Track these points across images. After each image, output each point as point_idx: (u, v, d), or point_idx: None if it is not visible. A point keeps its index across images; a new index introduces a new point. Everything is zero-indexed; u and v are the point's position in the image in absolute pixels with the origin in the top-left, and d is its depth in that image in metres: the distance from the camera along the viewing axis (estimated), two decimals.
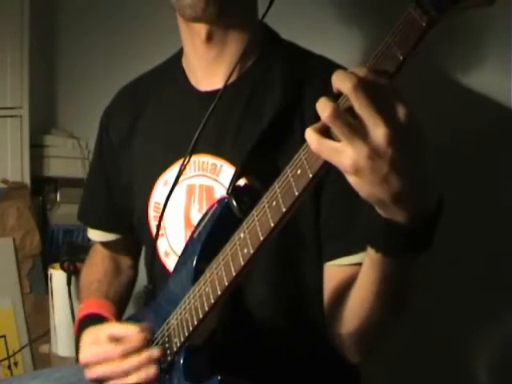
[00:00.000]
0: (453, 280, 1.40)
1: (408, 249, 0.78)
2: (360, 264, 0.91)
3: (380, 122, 0.67)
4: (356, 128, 0.68)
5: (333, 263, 1.02)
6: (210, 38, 1.06)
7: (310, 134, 0.71)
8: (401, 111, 0.68)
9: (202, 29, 1.06)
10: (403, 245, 0.78)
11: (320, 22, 1.55)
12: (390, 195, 0.71)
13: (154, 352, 1.00)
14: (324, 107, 0.68)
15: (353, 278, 0.94)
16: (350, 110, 0.68)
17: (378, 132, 0.67)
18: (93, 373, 1.04)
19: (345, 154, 0.69)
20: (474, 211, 1.37)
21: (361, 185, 0.71)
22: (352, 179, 0.71)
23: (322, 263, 1.04)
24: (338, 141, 0.69)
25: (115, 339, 1.02)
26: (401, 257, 0.80)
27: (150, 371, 0.99)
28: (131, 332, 1.01)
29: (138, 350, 1.00)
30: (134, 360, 0.99)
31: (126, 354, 1.00)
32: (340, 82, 0.68)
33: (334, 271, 1.02)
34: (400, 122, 0.68)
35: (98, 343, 1.04)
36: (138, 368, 0.99)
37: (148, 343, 1.01)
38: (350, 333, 0.96)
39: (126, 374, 1.00)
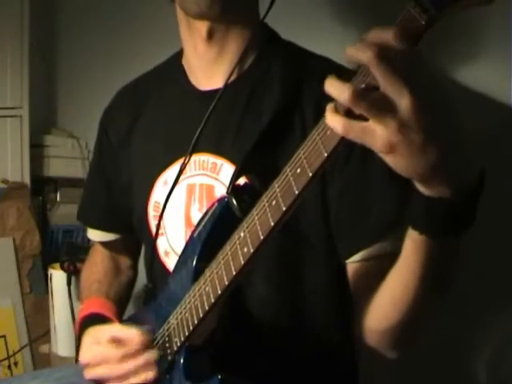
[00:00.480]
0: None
1: (452, 227, 0.75)
2: (378, 256, 0.91)
3: (405, 92, 0.64)
4: (381, 103, 0.65)
5: (353, 259, 1.00)
6: (210, 36, 1.06)
7: (334, 118, 0.68)
8: (425, 76, 0.66)
9: (203, 27, 1.06)
10: (447, 223, 0.74)
11: (319, 22, 1.55)
12: (429, 166, 0.68)
13: (152, 355, 1.00)
14: (340, 90, 0.66)
15: (377, 269, 0.92)
16: (368, 85, 0.66)
17: (404, 103, 0.64)
18: (92, 373, 1.05)
19: (376, 134, 0.66)
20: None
21: (399, 162, 0.68)
22: (388, 158, 0.68)
23: (342, 261, 1.02)
24: (364, 119, 0.67)
25: (116, 341, 1.02)
26: (445, 236, 0.77)
27: (149, 374, 0.99)
28: (132, 335, 1.01)
29: (136, 354, 1.00)
30: (132, 363, 1.00)
31: (125, 357, 1.00)
32: (360, 51, 0.65)
33: (355, 267, 1.00)
34: (425, 88, 0.65)
35: (98, 344, 1.04)
36: (136, 371, 1.00)
37: (147, 347, 1.01)
38: (392, 326, 0.92)
39: (125, 376, 1.00)
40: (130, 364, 1.00)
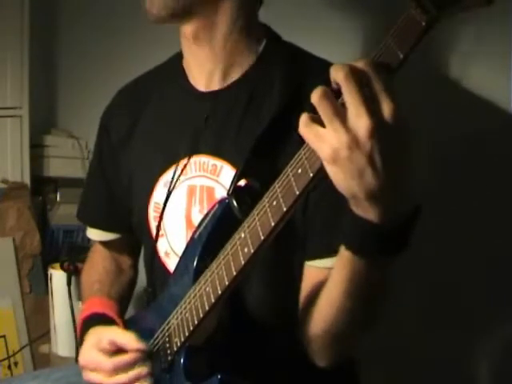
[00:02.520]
0: (453, 280, 1.40)
1: (378, 250, 0.77)
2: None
3: (364, 112, 0.67)
4: (340, 113, 0.68)
5: (311, 264, 1.01)
6: (195, 36, 1.07)
7: (302, 117, 0.72)
8: (388, 108, 0.68)
9: (186, 28, 1.08)
10: (373, 245, 0.77)
11: (319, 23, 1.55)
12: (364, 190, 0.70)
13: (144, 369, 1.01)
14: (315, 91, 0.69)
15: (324, 281, 0.94)
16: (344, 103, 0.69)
17: (361, 122, 0.67)
18: (87, 377, 1.07)
19: (326, 141, 0.69)
20: (474, 211, 1.37)
21: (337, 175, 0.71)
22: (330, 168, 0.71)
23: (302, 260, 1.03)
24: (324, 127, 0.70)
25: (114, 345, 1.03)
26: (371, 257, 0.79)
27: None
28: (130, 346, 1.02)
29: (129, 366, 1.02)
30: (124, 377, 1.02)
31: (117, 369, 1.02)
32: (335, 71, 0.69)
33: (310, 272, 1.02)
34: (385, 118, 0.68)
35: (96, 347, 1.05)
36: (130, 382, 1.02)
37: (142, 356, 1.02)
38: (318, 335, 0.95)
39: None
40: (122, 378, 1.02)
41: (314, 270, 1.01)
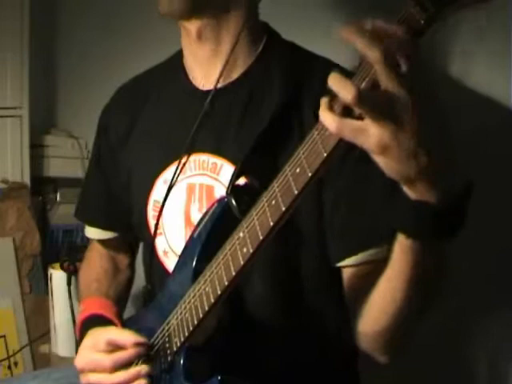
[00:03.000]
0: (452, 279, 1.39)
1: (438, 231, 0.76)
2: (373, 261, 0.90)
3: (406, 95, 0.65)
4: (382, 106, 0.66)
5: (345, 263, 1.00)
6: (200, 35, 1.07)
7: (327, 116, 0.69)
8: (421, 81, 0.66)
9: (191, 26, 1.06)
10: (433, 227, 0.75)
11: (318, 23, 1.55)
12: (418, 171, 0.69)
13: (144, 368, 1.01)
14: (345, 88, 0.66)
15: (370, 274, 0.93)
16: (370, 81, 0.67)
17: (404, 106, 0.65)
18: (85, 379, 1.06)
19: (370, 133, 0.67)
20: (475, 210, 1.37)
21: (388, 163, 0.69)
22: (379, 158, 0.69)
23: (333, 264, 1.02)
24: (358, 119, 0.67)
25: (112, 344, 1.03)
26: (432, 240, 0.77)
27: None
28: (128, 343, 1.02)
29: (129, 363, 1.01)
30: (123, 374, 1.01)
31: (117, 367, 1.01)
32: (367, 47, 0.65)
33: (347, 271, 1.01)
34: (425, 96, 0.66)
35: (94, 349, 1.05)
36: (126, 382, 1.00)
37: (141, 357, 1.02)
38: (381, 330, 0.93)
39: None
40: (121, 376, 1.01)
41: (349, 269, 1.00)
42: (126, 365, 1.02)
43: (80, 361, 1.07)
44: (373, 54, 0.65)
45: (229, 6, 1.06)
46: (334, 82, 0.67)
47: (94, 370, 1.04)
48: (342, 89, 0.66)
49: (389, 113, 0.66)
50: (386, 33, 0.66)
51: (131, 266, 1.35)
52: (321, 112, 0.69)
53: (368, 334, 0.96)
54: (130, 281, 1.35)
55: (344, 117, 0.68)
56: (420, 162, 0.69)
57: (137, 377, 1.00)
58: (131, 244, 1.32)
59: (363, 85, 0.67)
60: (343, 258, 1.00)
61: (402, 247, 0.81)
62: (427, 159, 0.69)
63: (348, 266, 1.00)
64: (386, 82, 0.65)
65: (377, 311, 0.92)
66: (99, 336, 1.06)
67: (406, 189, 0.73)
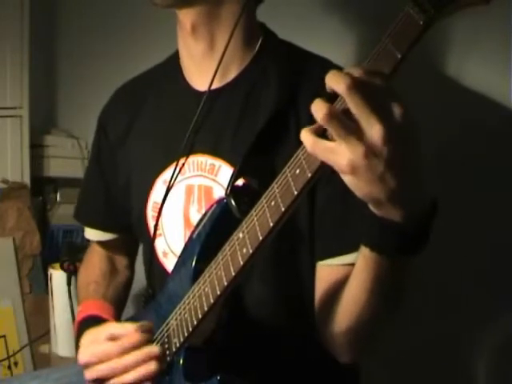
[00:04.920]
0: (452, 280, 1.40)
1: (402, 248, 0.78)
2: (352, 264, 0.91)
3: (375, 121, 0.66)
4: (351, 128, 0.68)
5: (325, 263, 1.02)
6: (194, 29, 1.07)
7: (305, 136, 0.71)
8: (397, 110, 0.68)
9: (186, 19, 1.06)
10: (397, 244, 0.77)
11: (316, 22, 1.55)
12: (385, 194, 0.71)
13: (154, 349, 0.99)
14: (319, 108, 0.68)
15: (345, 278, 0.94)
16: (347, 110, 0.68)
17: (374, 131, 0.67)
18: (92, 372, 1.04)
19: (340, 154, 0.68)
20: (475, 211, 1.37)
21: (357, 184, 0.71)
22: (348, 179, 0.71)
23: (315, 262, 1.04)
24: (334, 141, 0.69)
25: (114, 338, 1.01)
26: (395, 256, 0.79)
27: (150, 368, 0.98)
28: (130, 330, 1.01)
29: (136, 347, 0.99)
30: (133, 356, 0.98)
31: (125, 352, 0.99)
32: (334, 82, 0.68)
33: (325, 271, 1.02)
34: (396, 121, 0.67)
35: (97, 343, 1.04)
36: (137, 364, 0.98)
37: (147, 341, 1.01)
38: (343, 332, 0.95)
39: (125, 370, 0.99)
40: (131, 357, 0.98)
41: (328, 269, 1.01)
42: (135, 348, 0.99)
43: (84, 355, 1.04)
44: (338, 87, 0.67)
45: (230, 5, 1.06)
46: (313, 104, 0.69)
47: (101, 360, 1.01)
48: (317, 108, 0.68)
49: (359, 137, 0.67)
50: (353, 70, 0.68)
51: (130, 267, 1.35)
52: (302, 131, 0.72)
53: (330, 335, 0.98)
54: (128, 282, 1.35)
55: (322, 138, 0.70)
56: (388, 186, 0.70)
57: (148, 357, 0.98)
58: (130, 245, 1.32)
59: (338, 108, 0.69)
60: (324, 258, 1.01)
61: (365, 259, 0.83)
62: (395, 184, 0.70)
63: (326, 266, 1.01)
64: (354, 110, 0.67)
65: (339, 314, 0.95)
66: (99, 331, 1.05)
67: (372, 208, 0.75)
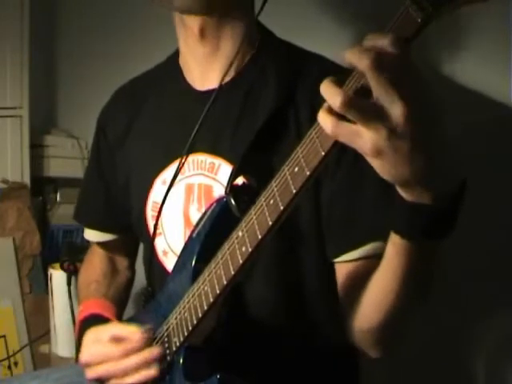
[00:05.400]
0: (452, 280, 1.39)
1: (433, 232, 0.76)
2: (368, 257, 0.91)
3: (398, 100, 0.65)
4: (372, 110, 0.66)
5: (341, 259, 1.01)
6: (202, 33, 1.06)
7: (325, 118, 0.69)
8: (417, 86, 0.66)
9: (194, 24, 1.05)
10: (428, 228, 0.76)
11: (315, 21, 1.55)
12: (413, 174, 0.69)
13: (154, 351, 0.99)
14: (333, 95, 0.66)
15: (365, 271, 0.93)
16: (361, 89, 0.66)
17: (397, 110, 0.65)
18: (93, 372, 1.04)
19: (364, 137, 0.66)
20: (475, 211, 1.37)
21: (384, 166, 0.69)
22: (374, 162, 0.69)
23: (331, 260, 1.03)
24: (354, 122, 0.67)
25: (117, 339, 1.02)
26: (425, 241, 0.78)
27: (151, 371, 0.99)
28: (133, 333, 1.01)
29: (138, 350, 0.99)
30: (134, 359, 0.99)
31: (126, 353, 0.99)
32: (357, 58, 0.65)
33: (343, 267, 1.01)
34: (419, 99, 0.66)
35: (99, 343, 1.04)
36: (137, 367, 0.99)
37: (148, 344, 1.01)
38: (373, 325, 0.94)
39: (126, 372, 0.99)
40: (132, 360, 0.99)
41: (345, 264, 1.00)
42: (135, 352, 1.00)
43: (86, 355, 1.05)
44: (360, 63, 0.65)
45: (237, 5, 1.07)
46: (324, 89, 0.67)
47: (102, 361, 1.02)
48: (331, 96, 0.66)
49: (381, 119, 0.66)
50: (375, 43, 0.66)
51: (131, 267, 1.35)
52: (320, 114, 0.69)
53: (360, 331, 0.97)
54: (129, 282, 1.35)
55: (342, 119, 0.68)
56: (415, 166, 0.69)
57: (149, 359, 0.99)
58: (131, 246, 1.32)
59: (351, 91, 0.67)
60: (341, 253, 1.00)
61: (395, 247, 0.82)
62: (423, 163, 0.69)
63: (344, 262, 1.00)
64: (376, 89, 0.65)
65: (369, 308, 0.93)
66: (101, 331, 1.05)
67: (400, 191, 0.74)
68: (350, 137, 0.68)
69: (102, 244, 1.32)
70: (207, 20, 1.05)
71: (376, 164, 0.69)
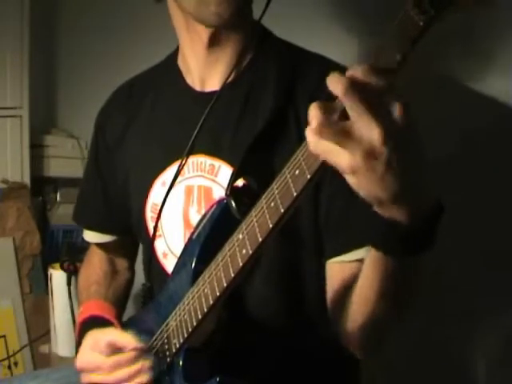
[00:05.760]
0: (452, 280, 1.40)
1: (408, 248, 0.77)
2: (361, 260, 0.90)
3: (373, 123, 0.66)
4: (349, 131, 0.67)
5: (334, 260, 1.01)
6: (212, 42, 1.06)
7: (308, 135, 0.70)
8: (396, 111, 0.67)
9: (205, 33, 1.06)
10: (403, 244, 0.76)
11: (315, 22, 1.55)
12: (387, 194, 0.70)
13: (146, 364, 1.01)
14: (312, 117, 0.68)
15: (355, 274, 0.94)
16: (345, 111, 0.68)
17: (372, 133, 0.66)
18: (87, 379, 1.06)
19: (340, 157, 0.68)
20: (475, 211, 1.37)
21: (359, 184, 0.70)
22: (350, 179, 0.70)
23: (324, 261, 1.03)
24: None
25: (113, 346, 1.03)
26: (401, 256, 0.79)
27: (142, 380, 1.00)
28: (128, 342, 1.02)
29: (130, 361, 1.01)
30: (126, 371, 1.01)
31: (117, 365, 1.01)
32: (332, 84, 0.67)
33: (336, 268, 1.01)
34: (395, 122, 0.67)
35: (94, 349, 1.05)
36: (129, 378, 1.01)
37: (142, 354, 1.02)
38: (355, 329, 0.95)
39: (117, 382, 1.01)
40: (124, 371, 1.01)
41: (338, 266, 1.01)
42: (127, 365, 1.01)
43: (80, 361, 1.07)
44: (336, 89, 0.66)
45: (249, 15, 1.08)
46: (309, 111, 0.69)
47: (94, 371, 1.04)
48: (310, 118, 0.68)
49: (357, 141, 0.67)
50: (352, 72, 0.67)
51: (131, 268, 1.35)
52: (306, 130, 0.70)
53: (345, 330, 0.98)
54: (129, 283, 1.35)
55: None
56: (390, 187, 0.69)
57: (140, 370, 1.00)
58: (130, 247, 1.32)
59: (336, 112, 0.69)
60: (336, 255, 1.01)
61: (372, 258, 0.83)
62: (398, 186, 0.69)
63: (337, 263, 1.01)
64: (352, 114, 0.67)
65: (352, 310, 0.94)
66: (99, 337, 1.06)
67: (376, 207, 0.74)
68: (328, 154, 0.69)
69: (101, 245, 1.32)
70: (218, 30, 1.05)
71: (351, 181, 0.70)
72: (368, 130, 0.66)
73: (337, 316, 0.99)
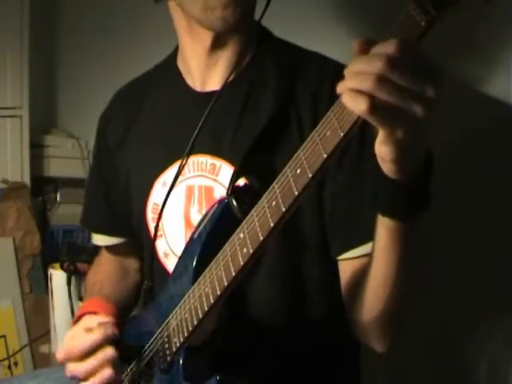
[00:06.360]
0: (452, 280, 1.40)
1: (415, 207, 0.79)
2: (369, 255, 0.91)
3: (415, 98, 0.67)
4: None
5: (343, 257, 1.01)
6: (214, 45, 1.07)
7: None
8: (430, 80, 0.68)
9: (208, 37, 1.06)
10: (411, 204, 0.79)
11: (315, 22, 1.55)
12: (404, 153, 0.72)
13: (108, 351, 1.02)
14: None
15: (365, 267, 0.94)
16: None
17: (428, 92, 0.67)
18: (67, 370, 1.07)
19: (401, 112, 0.67)
20: (475, 210, 1.37)
21: (390, 141, 0.71)
22: (384, 132, 0.70)
23: (333, 258, 1.03)
24: None
25: (89, 330, 1.04)
26: (408, 216, 0.81)
27: (105, 373, 1.01)
28: (94, 325, 1.04)
29: (98, 348, 1.02)
30: (90, 363, 1.02)
31: (85, 352, 1.02)
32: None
33: (347, 264, 1.02)
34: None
35: (74, 337, 1.06)
36: (94, 371, 1.02)
37: (110, 339, 1.03)
38: (376, 317, 0.95)
39: (87, 375, 1.03)
40: (89, 363, 1.02)
41: (349, 262, 1.01)
42: (95, 349, 1.03)
43: (58, 353, 1.08)
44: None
45: (253, 20, 1.08)
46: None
47: (68, 360, 1.05)
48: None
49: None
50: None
51: (141, 269, 1.34)
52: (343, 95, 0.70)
53: (364, 324, 0.98)
54: (139, 284, 1.31)
55: None
56: (410, 148, 0.72)
57: (102, 362, 1.01)
58: (139, 247, 1.31)
59: None
60: (345, 251, 1.01)
61: (388, 231, 0.84)
62: (417, 145, 0.73)
63: (348, 259, 1.01)
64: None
65: (370, 300, 0.94)
66: (78, 325, 1.08)
67: (385, 167, 0.76)
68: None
69: (110, 248, 1.32)
70: (222, 36, 1.06)
71: (384, 134, 0.71)
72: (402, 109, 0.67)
73: (355, 311, 0.98)
